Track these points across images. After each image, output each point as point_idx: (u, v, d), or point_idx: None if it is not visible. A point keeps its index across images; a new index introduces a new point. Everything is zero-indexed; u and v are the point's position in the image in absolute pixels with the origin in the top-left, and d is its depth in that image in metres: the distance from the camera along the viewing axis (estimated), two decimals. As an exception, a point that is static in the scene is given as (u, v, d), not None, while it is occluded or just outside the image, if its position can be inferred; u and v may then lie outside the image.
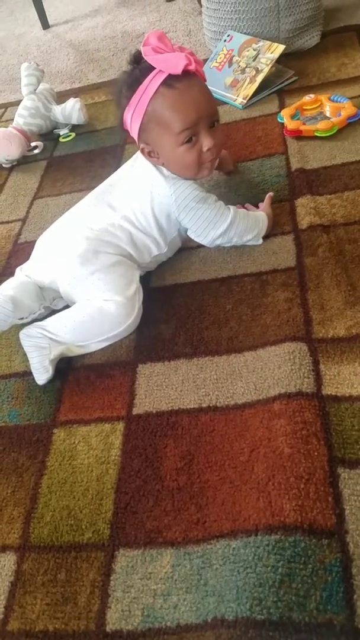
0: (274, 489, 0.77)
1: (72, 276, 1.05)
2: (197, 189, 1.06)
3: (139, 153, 1.09)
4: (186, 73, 0.95)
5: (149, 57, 0.95)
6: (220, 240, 1.10)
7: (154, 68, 0.96)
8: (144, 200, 1.07)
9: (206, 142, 0.99)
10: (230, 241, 1.11)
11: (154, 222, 1.08)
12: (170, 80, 0.95)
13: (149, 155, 1.05)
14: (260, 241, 1.12)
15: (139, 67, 0.97)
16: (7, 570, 0.81)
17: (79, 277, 1.04)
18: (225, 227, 1.08)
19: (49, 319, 1.06)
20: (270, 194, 1.20)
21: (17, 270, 1.14)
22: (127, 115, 1.01)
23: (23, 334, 1.04)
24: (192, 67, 0.94)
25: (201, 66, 0.99)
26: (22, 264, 1.16)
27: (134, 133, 1.03)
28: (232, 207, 1.10)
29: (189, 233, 1.11)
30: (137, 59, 0.99)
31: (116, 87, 1.02)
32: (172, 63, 0.94)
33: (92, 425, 0.95)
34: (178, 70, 0.93)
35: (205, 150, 1.00)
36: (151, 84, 0.96)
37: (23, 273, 1.12)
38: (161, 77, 0.95)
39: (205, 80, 1.01)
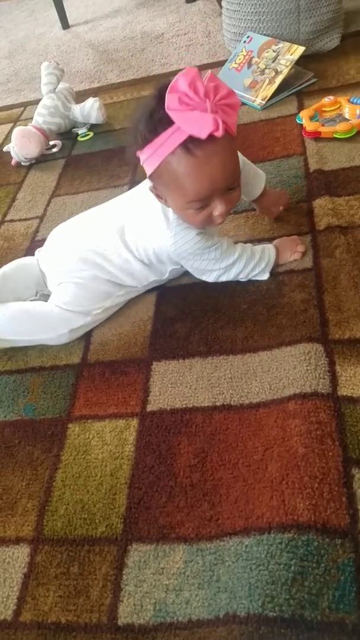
0: (287, 488, 0.77)
1: (57, 278, 1.11)
2: (200, 240, 0.99)
3: None
4: (211, 135, 0.80)
5: (173, 113, 0.80)
6: (224, 279, 1.07)
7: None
8: (147, 236, 1.03)
9: (217, 209, 0.89)
10: (236, 278, 1.07)
11: (155, 258, 1.05)
12: (190, 144, 0.81)
13: (157, 196, 0.96)
14: (267, 276, 1.07)
15: (160, 113, 0.81)
16: (20, 562, 0.82)
17: (61, 277, 1.10)
18: (225, 267, 1.04)
19: None
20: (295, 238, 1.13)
21: (36, 252, 1.21)
22: (141, 156, 0.89)
23: None
24: (218, 134, 0.79)
25: (233, 117, 0.83)
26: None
27: (147, 172, 0.92)
28: (239, 248, 1.04)
29: (191, 272, 1.09)
30: (162, 95, 0.82)
31: (134, 120, 0.88)
32: (197, 126, 0.79)
33: (106, 421, 0.96)
34: (202, 135, 0.80)
35: (215, 215, 0.90)
36: (169, 141, 0.82)
37: (36, 256, 1.19)
38: (182, 137, 0.81)
39: (234, 134, 0.85)
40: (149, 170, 0.89)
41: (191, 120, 0.79)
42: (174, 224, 0.98)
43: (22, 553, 0.83)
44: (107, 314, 1.13)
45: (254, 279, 1.08)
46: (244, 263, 1.05)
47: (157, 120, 0.82)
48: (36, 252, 1.21)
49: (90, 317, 1.10)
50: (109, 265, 1.07)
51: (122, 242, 1.05)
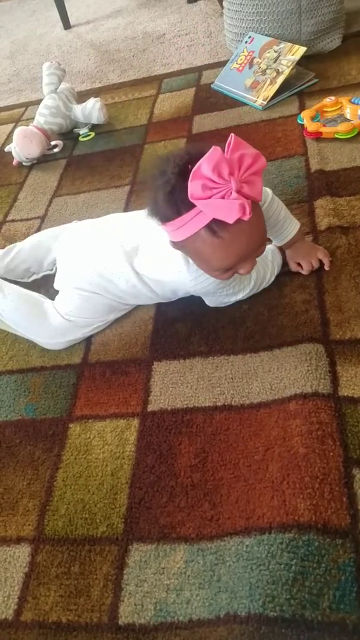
0: (288, 488, 0.77)
1: (64, 281, 1.11)
2: (220, 282, 0.95)
3: None
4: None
5: (197, 201, 0.74)
6: (234, 299, 1.05)
7: None
8: (163, 272, 0.99)
9: (243, 270, 0.86)
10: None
11: (170, 292, 1.04)
12: (216, 226, 0.77)
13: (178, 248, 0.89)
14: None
15: (182, 194, 0.75)
16: (21, 561, 0.82)
17: (68, 283, 1.10)
18: (241, 296, 1.04)
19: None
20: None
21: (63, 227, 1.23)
22: (167, 229, 0.84)
23: None
24: (246, 218, 0.74)
25: (258, 185, 0.77)
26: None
27: (169, 239, 0.87)
28: (253, 274, 1.01)
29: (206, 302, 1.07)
30: (183, 171, 0.76)
31: (153, 189, 0.81)
32: (223, 213, 0.74)
33: (107, 421, 0.96)
34: (229, 221, 0.75)
35: (241, 272, 0.87)
36: (193, 223, 0.78)
37: (58, 238, 1.21)
38: (206, 220, 0.76)
39: (259, 200, 0.80)
40: (170, 238, 0.85)
41: (217, 207, 0.74)
42: (194, 269, 0.92)
43: (23, 552, 0.83)
44: (108, 323, 1.12)
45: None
46: (257, 285, 1.03)
47: (179, 200, 0.77)
48: (61, 228, 1.23)
49: (91, 328, 1.10)
50: (115, 289, 1.04)
51: (132, 268, 1.00)
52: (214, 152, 0.73)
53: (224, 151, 0.74)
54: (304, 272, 1.05)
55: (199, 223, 0.77)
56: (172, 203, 0.78)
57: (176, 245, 0.87)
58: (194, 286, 0.95)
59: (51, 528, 0.84)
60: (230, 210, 0.73)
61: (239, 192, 0.73)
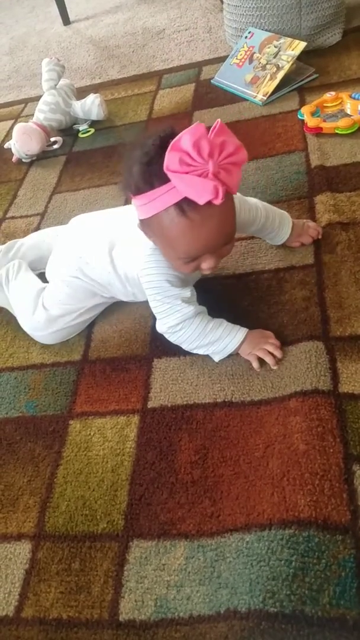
0: (288, 485, 0.77)
1: (50, 272, 1.14)
2: (168, 279, 0.92)
3: None
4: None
5: (172, 175, 0.73)
6: (172, 338, 0.97)
7: None
8: (131, 263, 0.98)
9: (207, 263, 0.84)
10: (180, 342, 0.97)
11: (134, 285, 1.02)
12: (186, 205, 0.75)
13: (145, 233, 0.88)
14: (216, 359, 0.97)
15: (158, 166, 0.74)
16: (22, 558, 0.82)
17: (53, 271, 1.13)
18: (175, 324, 0.94)
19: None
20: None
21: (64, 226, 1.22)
22: (133, 201, 0.83)
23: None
24: (217, 202, 0.73)
25: (236, 176, 0.76)
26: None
27: (137, 216, 0.85)
28: (198, 318, 0.94)
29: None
30: (164, 145, 0.74)
31: (130, 159, 0.80)
32: (196, 191, 0.73)
33: (107, 418, 0.96)
34: (200, 201, 0.73)
35: (204, 268, 0.85)
36: (164, 198, 0.76)
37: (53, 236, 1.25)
38: (177, 197, 0.75)
39: (234, 193, 0.79)
40: (139, 215, 0.83)
41: (190, 184, 0.72)
42: (149, 252, 0.91)
43: (23, 549, 0.83)
44: (94, 313, 1.13)
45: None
46: (192, 333, 0.94)
47: (153, 173, 0.75)
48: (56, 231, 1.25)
49: (73, 316, 1.09)
50: (92, 272, 1.04)
51: (109, 256, 1.00)
52: (197, 127, 0.72)
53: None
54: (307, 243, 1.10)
55: (170, 199, 0.75)
56: (147, 174, 0.76)
57: (144, 225, 0.85)
58: (144, 269, 0.93)
59: (52, 525, 0.85)
60: (203, 190, 0.72)
61: (215, 175, 0.72)
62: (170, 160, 0.72)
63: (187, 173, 0.72)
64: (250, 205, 1.02)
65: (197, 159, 0.71)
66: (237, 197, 0.93)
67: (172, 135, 0.74)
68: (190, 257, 0.83)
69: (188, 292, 0.94)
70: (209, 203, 0.73)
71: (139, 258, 0.94)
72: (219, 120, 0.74)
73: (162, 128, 0.78)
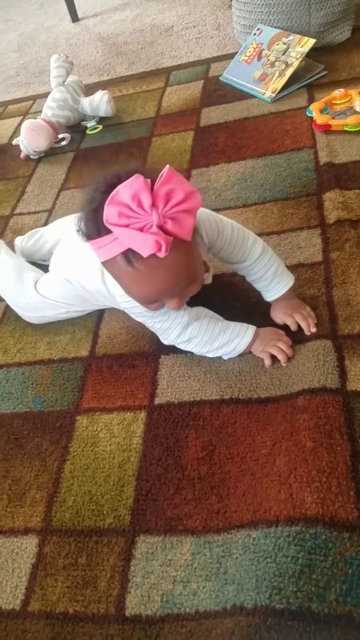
0: (295, 482, 0.77)
1: (54, 263, 1.16)
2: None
3: None
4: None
5: (112, 227, 0.70)
6: (180, 346, 0.97)
7: None
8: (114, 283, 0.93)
9: (170, 305, 0.82)
10: (190, 349, 0.97)
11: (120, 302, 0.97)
12: (132, 255, 0.73)
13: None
14: (226, 358, 0.96)
15: (102, 213, 0.70)
16: (28, 552, 0.83)
17: (58, 269, 1.13)
18: (176, 335, 0.94)
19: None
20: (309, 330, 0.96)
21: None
22: (92, 247, 0.78)
23: None
24: (160, 255, 0.70)
25: (187, 224, 0.72)
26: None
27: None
28: (199, 322, 0.93)
29: None
30: (109, 193, 0.70)
31: (82, 205, 0.78)
32: (137, 244, 0.70)
33: (114, 414, 0.96)
34: (143, 254, 0.71)
35: (169, 306, 0.83)
36: (110, 247, 0.74)
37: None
38: (121, 247, 0.72)
39: (189, 239, 0.74)
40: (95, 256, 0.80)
41: (131, 237, 0.70)
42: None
43: (30, 544, 0.83)
44: (81, 313, 1.16)
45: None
46: (199, 341, 0.94)
47: (99, 220, 0.72)
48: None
49: (62, 311, 1.13)
50: (86, 283, 1.05)
51: (101, 272, 0.98)
52: (135, 180, 0.69)
53: (156, 181, 0.70)
54: (293, 327, 0.97)
55: (116, 249, 0.73)
56: (94, 222, 0.74)
57: (104, 266, 0.82)
58: (123, 305, 0.93)
59: (58, 519, 0.85)
60: (144, 244, 0.69)
61: (160, 227, 0.69)
62: (109, 213, 0.70)
63: (127, 226, 0.69)
64: (221, 224, 0.92)
65: (137, 211, 0.69)
66: (207, 215, 0.90)
67: (119, 182, 0.71)
68: (148, 303, 0.82)
69: (176, 312, 0.92)
70: (154, 255, 0.70)
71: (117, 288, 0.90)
72: (167, 166, 0.71)
73: (109, 174, 0.76)
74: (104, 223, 0.70)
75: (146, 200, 0.68)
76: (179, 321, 0.92)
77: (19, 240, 1.33)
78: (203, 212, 0.88)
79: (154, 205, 0.69)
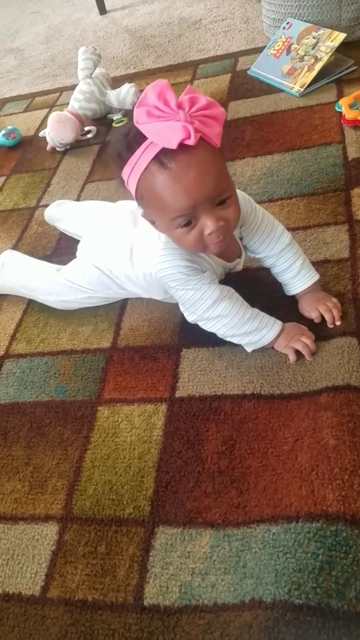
0: (317, 479, 0.77)
1: (81, 249, 1.18)
2: (185, 267, 0.91)
3: None
4: (185, 146, 0.73)
5: (141, 126, 0.75)
6: (206, 327, 0.96)
7: None
8: (145, 264, 1.00)
9: (208, 226, 0.80)
10: (215, 330, 0.96)
11: (145, 283, 1.03)
12: (164, 157, 0.75)
13: (150, 222, 0.88)
14: (249, 349, 0.97)
15: (134, 131, 0.77)
16: (49, 539, 0.84)
17: (85, 254, 1.16)
18: (204, 309, 0.93)
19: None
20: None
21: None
22: (124, 178, 0.82)
23: None
24: (190, 142, 0.72)
25: (214, 128, 0.75)
26: (71, 246, 1.26)
27: (132, 195, 0.85)
28: (226, 301, 0.93)
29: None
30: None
31: (112, 149, 0.84)
32: (167, 136, 0.73)
33: (135, 405, 0.97)
34: (172, 145, 0.72)
35: (207, 234, 0.81)
36: (143, 157, 0.76)
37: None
38: (154, 151, 0.75)
39: (217, 145, 0.77)
40: (132, 191, 0.83)
41: (161, 131, 0.73)
42: (162, 246, 0.91)
43: (50, 531, 0.84)
44: (104, 301, 1.17)
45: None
46: (229, 320, 0.93)
47: (131, 138, 0.77)
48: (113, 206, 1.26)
49: (84, 296, 1.14)
50: (117, 279, 1.08)
51: (130, 258, 1.02)
52: (159, 81, 0.74)
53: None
54: (317, 319, 0.97)
55: (149, 155, 0.76)
56: (126, 142, 0.79)
57: (139, 202, 0.85)
58: (158, 264, 0.91)
59: (79, 508, 0.86)
60: (173, 133, 0.72)
61: (187, 123, 0.72)
62: (138, 115, 0.74)
63: (156, 122, 0.73)
64: (253, 205, 0.97)
65: (164, 109, 0.72)
66: (240, 193, 0.92)
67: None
68: (182, 213, 0.79)
69: (208, 278, 0.93)
70: (186, 150, 0.73)
71: (153, 255, 0.93)
72: (188, 85, 0.76)
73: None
74: (139, 135, 0.75)
75: (172, 99, 0.72)
76: (210, 293, 0.92)
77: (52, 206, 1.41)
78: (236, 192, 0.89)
79: (179, 105, 0.73)
